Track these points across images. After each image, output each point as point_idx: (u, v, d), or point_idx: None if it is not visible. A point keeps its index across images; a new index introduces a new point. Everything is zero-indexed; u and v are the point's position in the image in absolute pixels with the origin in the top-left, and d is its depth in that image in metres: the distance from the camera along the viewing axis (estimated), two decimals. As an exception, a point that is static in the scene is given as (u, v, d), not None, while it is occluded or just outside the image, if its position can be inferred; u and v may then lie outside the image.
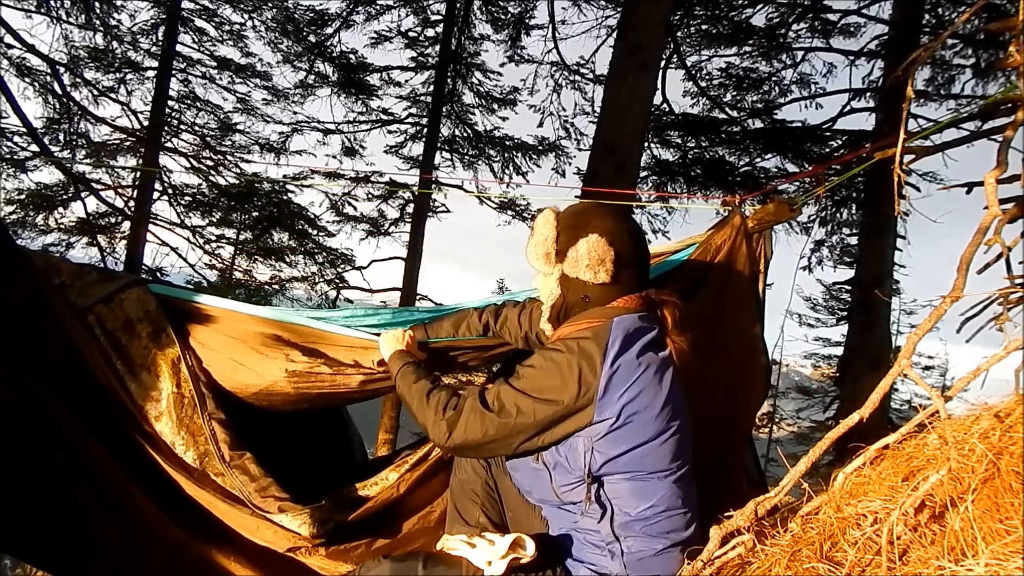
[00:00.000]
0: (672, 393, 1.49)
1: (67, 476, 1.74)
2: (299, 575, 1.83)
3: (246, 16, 9.39)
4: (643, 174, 8.53)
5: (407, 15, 9.77)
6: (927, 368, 11.88)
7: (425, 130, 10.06)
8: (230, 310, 1.95)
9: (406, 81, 10.20)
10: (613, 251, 1.51)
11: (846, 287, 8.97)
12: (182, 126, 9.64)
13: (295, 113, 10.10)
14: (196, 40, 9.31)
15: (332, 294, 10.88)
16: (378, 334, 1.90)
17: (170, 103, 9.10)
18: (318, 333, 1.92)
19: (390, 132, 10.52)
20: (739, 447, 2.17)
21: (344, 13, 9.54)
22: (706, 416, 1.57)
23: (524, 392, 1.46)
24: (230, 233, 10.25)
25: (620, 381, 1.43)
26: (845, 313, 9.21)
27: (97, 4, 8.34)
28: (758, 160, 8.58)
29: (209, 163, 9.87)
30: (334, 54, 9.82)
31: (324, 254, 10.82)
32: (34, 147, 7.98)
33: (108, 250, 8.97)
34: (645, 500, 1.44)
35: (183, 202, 9.78)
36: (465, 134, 10.50)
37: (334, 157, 10.60)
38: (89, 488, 1.77)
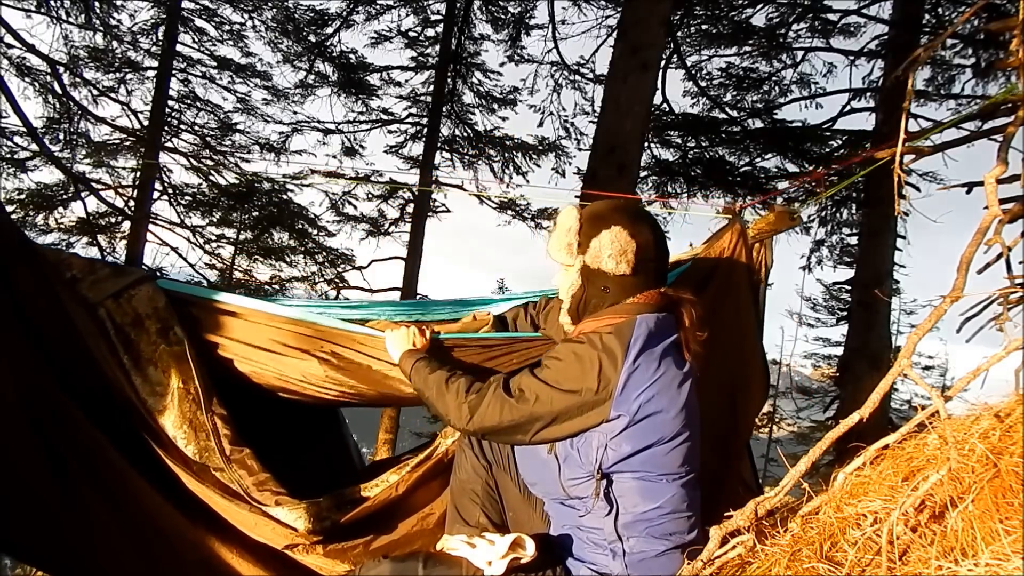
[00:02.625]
0: (689, 399, 1.50)
1: (71, 470, 1.74)
2: (297, 575, 1.83)
3: (246, 16, 9.38)
4: (643, 174, 8.53)
5: (407, 15, 9.78)
6: (927, 368, 11.89)
7: (425, 130, 10.06)
8: (241, 306, 1.95)
9: (406, 81, 10.21)
10: (635, 243, 1.53)
11: (846, 287, 8.97)
12: (182, 126, 9.64)
13: (295, 113, 10.11)
14: (196, 40, 9.31)
15: (332, 294, 10.87)
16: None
17: (170, 103, 9.10)
18: (336, 332, 1.92)
19: (390, 132, 10.52)
20: (737, 455, 2.17)
21: (344, 13, 9.54)
22: (705, 423, 1.57)
23: (544, 381, 1.48)
24: (230, 233, 10.25)
25: (639, 379, 1.44)
26: (845, 313, 9.21)
27: (97, 4, 8.34)
28: (758, 160, 8.58)
29: (209, 163, 9.86)
30: (334, 54, 9.82)
31: (324, 254, 10.82)
32: (34, 147, 7.97)
33: (108, 250, 8.96)
34: (652, 501, 1.45)
35: (183, 202, 9.78)
36: (465, 134, 10.50)
37: (334, 157, 10.62)
38: (92, 482, 1.77)
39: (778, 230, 2.09)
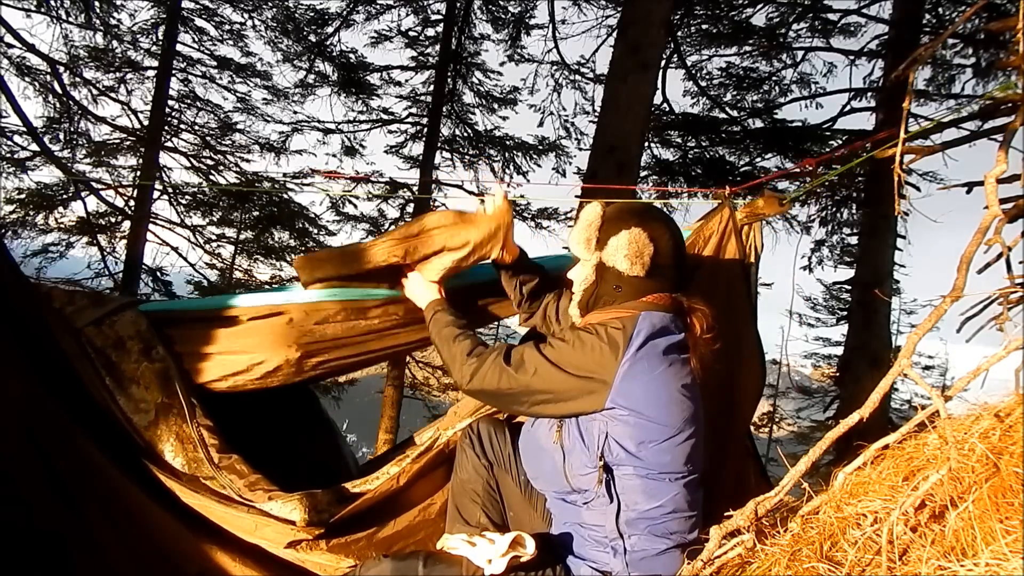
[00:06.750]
0: (692, 398, 1.51)
1: (70, 486, 1.75)
2: None
3: (246, 16, 9.37)
4: (643, 173, 8.53)
5: (407, 15, 9.76)
6: (927, 368, 11.84)
7: (425, 130, 10.05)
8: (220, 308, 2.00)
9: (406, 81, 10.19)
10: (653, 247, 1.56)
11: (846, 287, 8.96)
12: (182, 126, 9.63)
13: (295, 113, 10.09)
14: (196, 40, 9.29)
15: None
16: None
17: (170, 103, 9.08)
18: (317, 304, 1.96)
19: (390, 132, 10.50)
20: (738, 441, 2.16)
21: (344, 12, 9.53)
22: (703, 411, 1.58)
23: (546, 358, 1.52)
24: (230, 232, 10.24)
25: (640, 372, 1.46)
26: (845, 313, 9.20)
27: (97, 3, 8.33)
28: (758, 160, 8.56)
29: (209, 163, 9.85)
30: (334, 53, 9.81)
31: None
32: (34, 147, 7.96)
33: (108, 250, 8.94)
34: (654, 499, 1.46)
35: (183, 201, 9.77)
36: (465, 134, 10.49)
37: (334, 156, 10.60)
38: (91, 498, 1.77)
39: (767, 215, 2.09)
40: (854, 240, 8.65)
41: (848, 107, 8.28)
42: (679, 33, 8.40)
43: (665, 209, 1.86)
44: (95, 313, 1.96)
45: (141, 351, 1.94)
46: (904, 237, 7.74)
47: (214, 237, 10.11)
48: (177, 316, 2.05)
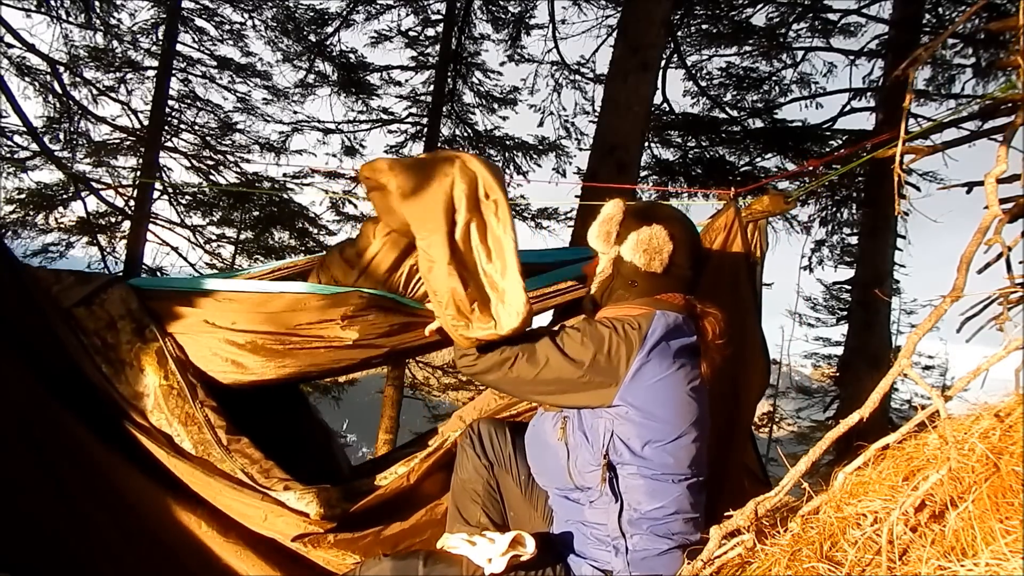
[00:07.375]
0: (698, 401, 1.51)
1: (72, 486, 1.75)
2: (307, 573, 1.83)
3: (246, 15, 9.37)
4: (643, 173, 8.52)
5: (407, 15, 9.75)
6: (927, 368, 11.84)
7: (425, 130, 10.05)
8: (214, 291, 1.95)
9: (406, 81, 10.18)
10: (671, 245, 1.57)
11: (846, 287, 8.96)
12: (182, 126, 9.63)
13: (295, 113, 10.09)
14: (196, 40, 9.29)
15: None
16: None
17: (170, 102, 9.08)
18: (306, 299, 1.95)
19: (390, 132, 10.50)
20: (740, 439, 2.16)
21: (344, 12, 9.53)
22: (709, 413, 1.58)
23: (558, 347, 1.50)
24: (230, 232, 10.24)
25: (650, 372, 1.46)
26: (845, 313, 9.20)
27: (97, 3, 8.33)
28: (758, 160, 8.57)
29: (209, 163, 9.85)
30: (334, 53, 9.81)
31: (325, 252, 10.76)
32: (34, 147, 7.96)
33: (108, 250, 8.94)
34: (657, 500, 1.46)
35: (183, 201, 9.77)
36: (465, 134, 10.48)
37: (334, 156, 10.60)
38: (92, 496, 1.77)
39: (772, 213, 2.11)
40: (854, 240, 8.65)
41: (848, 107, 8.28)
42: (679, 33, 8.40)
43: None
44: (83, 291, 1.90)
45: (134, 331, 1.88)
46: (904, 237, 7.75)
47: (214, 237, 10.12)
48: (178, 298, 1.97)
